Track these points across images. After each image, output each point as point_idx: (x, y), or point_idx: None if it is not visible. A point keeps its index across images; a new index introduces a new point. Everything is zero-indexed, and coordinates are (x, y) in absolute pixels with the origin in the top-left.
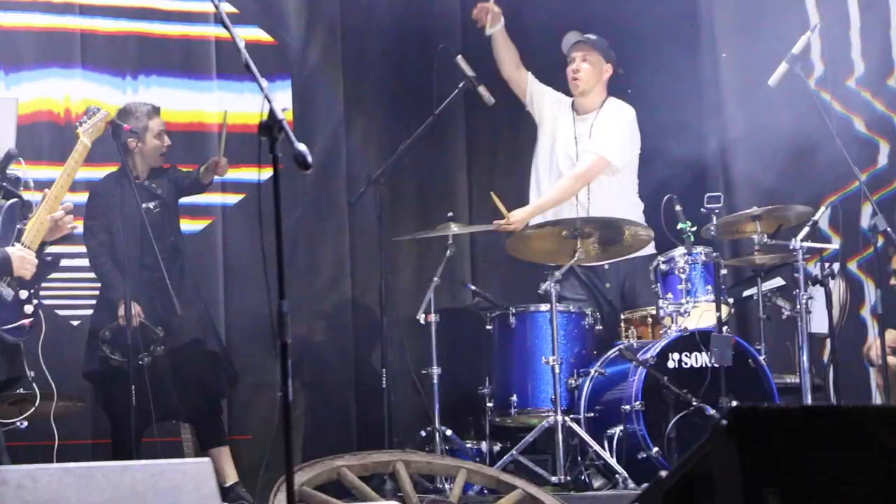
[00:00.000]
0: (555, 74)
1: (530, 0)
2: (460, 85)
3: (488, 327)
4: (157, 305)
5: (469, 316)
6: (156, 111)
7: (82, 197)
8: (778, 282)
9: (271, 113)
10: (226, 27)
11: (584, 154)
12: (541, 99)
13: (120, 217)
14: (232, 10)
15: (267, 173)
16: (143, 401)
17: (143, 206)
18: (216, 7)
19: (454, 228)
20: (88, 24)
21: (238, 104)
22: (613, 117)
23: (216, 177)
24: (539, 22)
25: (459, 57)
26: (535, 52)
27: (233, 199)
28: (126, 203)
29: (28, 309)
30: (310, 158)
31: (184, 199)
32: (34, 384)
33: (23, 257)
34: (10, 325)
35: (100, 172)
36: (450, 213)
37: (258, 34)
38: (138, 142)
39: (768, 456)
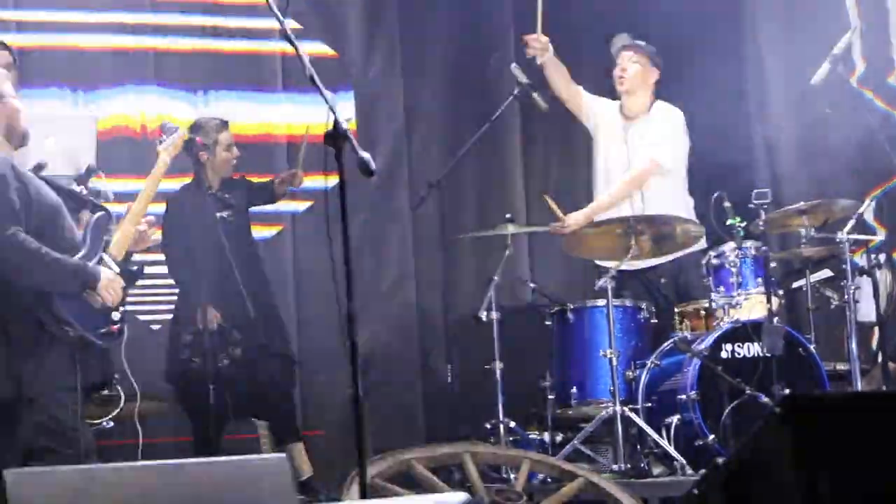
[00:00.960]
0: (601, 77)
1: (578, 4)
2: (515, 92)
3: (547, 323)
4: (232, 310)
5: (529, 312)
6: (224, 125)
7: (161, 207)
8: (826, 273)
9: (336, 123)
10: (290, 43)
11: (637, 158)
12: (594, 111)
13: (195, 226)
14: (296, 26)
15: (333, 181)
16: (221, 400)
17: (217, 215)
18: (281, 24)
19: (511, 229)
20: (161, 43)
21: (304, 116)
22: (663, 120)
23: (290, 187)
24: (586, 25)
25: (514, 65)
26: (582, 55)
27: (301, 206)
28: (201, 213)
29: (115, 316)
30: (373, 165)
31: (255, 208)
32: (119, 386)
33: (110, 281)
34: (101, 331)
35: (175, 184)
36: (508, 215)
37: (321, 48)
38: (209, 155)
39: (820, 441)
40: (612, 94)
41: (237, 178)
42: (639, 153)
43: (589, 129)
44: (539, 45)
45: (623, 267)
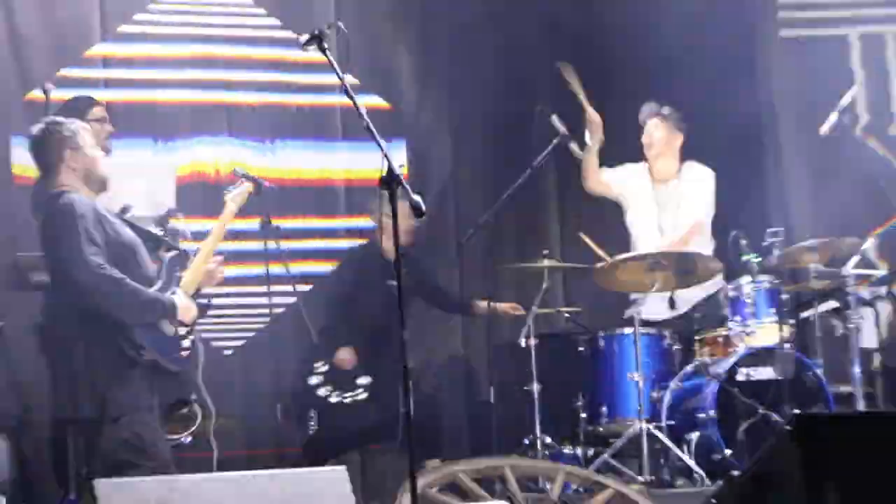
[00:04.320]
0: (631, 140)
1: (609, 72)
2: (554, 140)
3: (580, 349)
4: (372, 360)
5: (563, 339)
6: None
7: (230, 245)
8: (832, 304)
9: (390, 169)
10: (349, 96)
11: (680, 221)
12: (622, 182)
13: (362, 282)
14: (355, 81)
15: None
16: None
17: (387, 282)
18: (341, 79)
19: (548, 263)
20: (233, 97)
21: (361, 163)
22: (696, 181)
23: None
24: (616, 92)
25: (554, 116)
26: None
27: (356, 243)
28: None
29: (185, 343)
30: (424, 207)
31: (315, 244)
32: (196, 405)
33: (186, 306)
34: (172, 356)
35: (243, 225)
36: (545, 251)
37: (378, 101)
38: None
39: (826, 455)
40: (637, 157)
41: (412, 258)
42: (681, 216)
43: (616, 200)
44: (598, 122)
45: (655, 317)
